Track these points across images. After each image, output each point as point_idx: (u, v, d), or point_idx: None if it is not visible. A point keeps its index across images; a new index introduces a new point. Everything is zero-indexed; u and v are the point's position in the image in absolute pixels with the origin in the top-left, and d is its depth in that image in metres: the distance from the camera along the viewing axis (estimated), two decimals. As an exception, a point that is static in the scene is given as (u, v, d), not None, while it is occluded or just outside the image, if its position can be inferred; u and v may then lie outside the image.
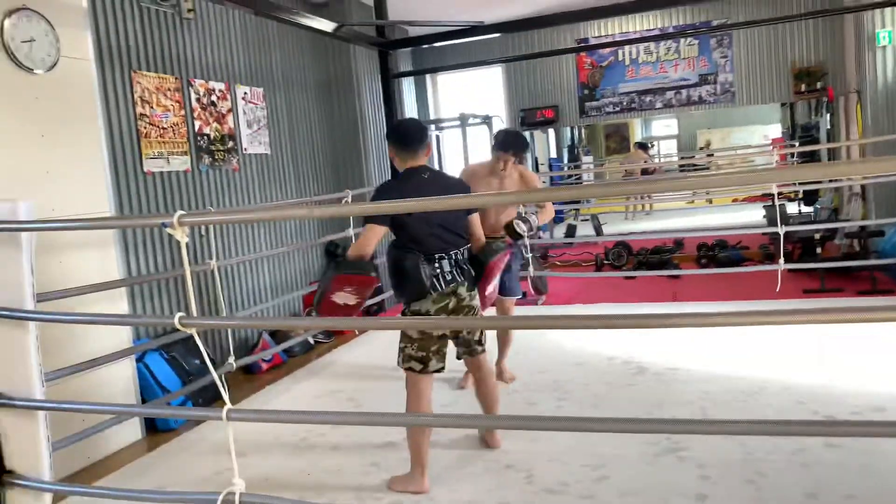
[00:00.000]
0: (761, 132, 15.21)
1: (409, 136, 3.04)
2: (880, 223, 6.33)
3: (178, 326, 2.30)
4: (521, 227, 3.92)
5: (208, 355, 2.80)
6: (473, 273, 3.09)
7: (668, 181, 3.25)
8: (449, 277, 2.97)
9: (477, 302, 3.11)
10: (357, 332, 5.85)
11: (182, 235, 2.32)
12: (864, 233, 6.51)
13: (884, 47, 6.97)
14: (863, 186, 7.16)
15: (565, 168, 11.74)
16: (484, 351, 3.24)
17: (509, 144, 3.98)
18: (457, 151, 8.44)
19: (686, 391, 3.94)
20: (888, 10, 6.83)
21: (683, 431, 3.08)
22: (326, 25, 5.74)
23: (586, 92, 9.17)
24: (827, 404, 3.52)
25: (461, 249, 3.04)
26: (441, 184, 3.06)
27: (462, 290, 3.02)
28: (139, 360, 4.14)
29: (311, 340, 5.73)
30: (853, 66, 7.59)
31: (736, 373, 4.14)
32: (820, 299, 5.77)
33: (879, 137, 6.56)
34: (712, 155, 12.60)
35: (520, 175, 4.09)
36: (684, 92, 8.86)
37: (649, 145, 13.04)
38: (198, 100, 5.31)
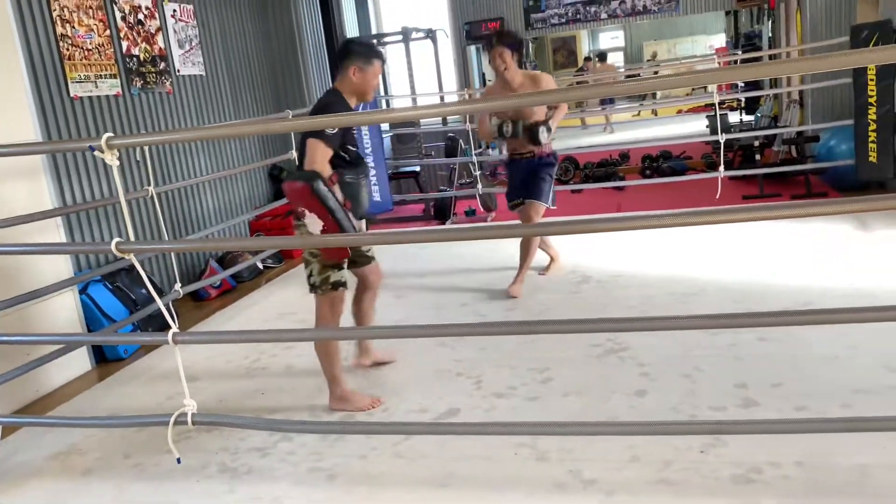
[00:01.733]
0: (706, 42, 15.24)
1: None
2: (816, 128, 6.49)
3: (115, 252, 2.26)
4: (544, 135, 4.06)
5: (152, 282, 2.76)
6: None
7: (633, 83, 3.32)
8: None
9: (300, 232, 3.01)
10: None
11: (112, 159, 2.26)
12: (801, 138, 6.67)
13: (824, -49, 6.96)
14: (801, 93, 7.29)
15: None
16: (312, 293, 3.08)
17: (495, 38, 4.03)
18: (400, 67, 8.24)
19: (628, 296, 4.08)
20: (828, -90, 6.78)
21: (620, 329, 3.20)
22: (256, -65, 5.45)
23: (531, 3, 8.98)
24: (761, 303, 3.69)
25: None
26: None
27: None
28: (82, 291, 4.06)
29: (260, 265, 5.69)
30: (794, -30, 7.57)
31: (676, 277, 4.29)
32: (758, 205, 5.95)
33: (817, 43, 6.64)
34: (658, 65, 12.61)
35: (531, 79, 4.07)
36: (629, 1, 8.74)
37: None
38: (123, 18, 5.02)
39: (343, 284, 3.05)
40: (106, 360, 4.03)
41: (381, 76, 3.13)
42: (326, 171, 2.85)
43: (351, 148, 3.04)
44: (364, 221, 3.32)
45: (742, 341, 3.24)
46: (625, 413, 2.75)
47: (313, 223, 2.76)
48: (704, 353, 3.17)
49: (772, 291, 3.86)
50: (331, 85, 3.18)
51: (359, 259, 3.24)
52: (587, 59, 12.89)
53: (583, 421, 2.57)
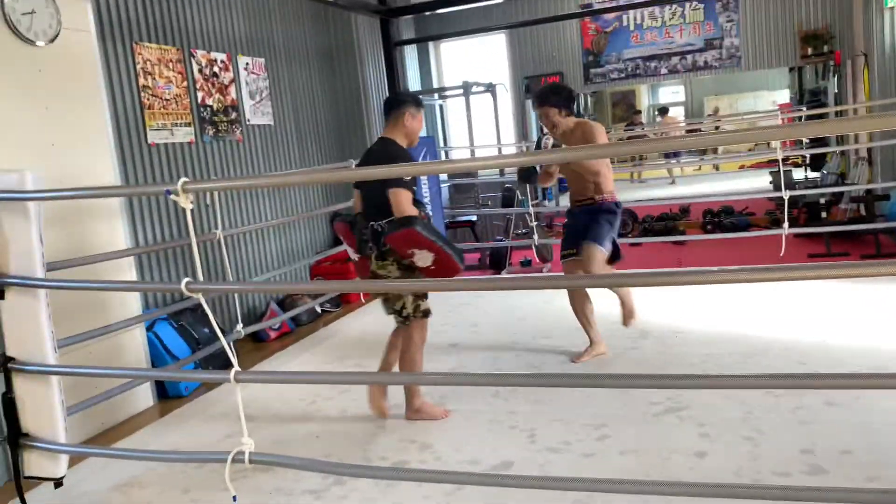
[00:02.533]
0: (769, 98, 15.06)
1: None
2: (886, 186, 6.31)
3: (185, 291, 2.34)
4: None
5: (216, 322, 2.85)
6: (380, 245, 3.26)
7: (692, 137, 3.27)
8: (366, 245, 3.34)
9: (387, 272, 3.27)
10: (363, 300, 5.90)
11: (186, 202, 2.36)
12: (870, 196, 6.49)
13: (892, 9, 6.87)
14: (869, 150, 7.12)
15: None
16: (404, 323, 3.36)
17: (537, 98, 3.94)
18: (460, 120, 8.42)
19: (688, 353, 3.99)
20: (897, -31, 6.72)
21: (682, 387, 3.12)
22: (327, -6, 5.72)
23: (591, 58, 9.10)
24: (827, 365, 3.55)
25: (378, 222, 3.22)
26: (370, 154, 3.42)
27: (373, 258, 3.32)
28: (149, 329, 4.21)
29: (318, 309, 5.79)
30: (860, 28, 7.50)
31: (738, 335, 4.18)
32: (826, 263, 5.78)
33: (887, 100, 6.51)
34: (720, 121, 12.51)
35: (582, 132, 3.84)
36: (690, 57, 8.77)
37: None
38: (200, 71, 5.31)
39: (430, 312, 3.38)
40: (167, 396, 4.14)
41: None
42: (414, 213, 3.15)
43: (414, 188, 3.31)
44: None
45: (808, 405, 3.12)
46: (684, 474, 2.67)
47: (424, 258, 3.12)
48: (767, 416, 3.07)
49: (838, 354, 3.72)
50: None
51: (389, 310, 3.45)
52: (636, 112, 12.95)
53: (640, 479, 2.50)
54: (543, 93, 3.96)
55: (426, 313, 3.35)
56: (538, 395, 3.51)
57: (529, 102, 9.40)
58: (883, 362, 3.53)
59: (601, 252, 3.85)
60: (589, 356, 4.03)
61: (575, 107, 4.04)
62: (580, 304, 4.01)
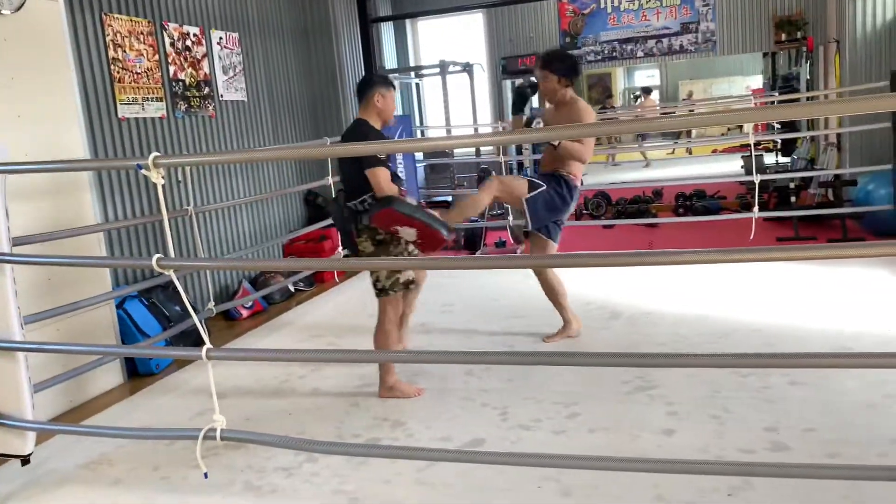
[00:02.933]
0: (743, 83, 15.19)
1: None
2: (854, 171, 6.42)
3: (156, 267, 2.32)
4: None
5: (187, 299, 2.83)
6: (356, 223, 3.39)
7: (666, 118, 3.26)
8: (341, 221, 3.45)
9: (363, 248, 3.38)
10: (337, 279, 5.89)
11: (157, 177, 2.33)
12: (838, 182, 6.60)
13: (864, -4, 6.95)
14: (838, 136, 7.23)
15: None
16: (378, 296, 3.43)
17: (541, 59, 3.85)
18: (437, 99, 8.38)
19: (658, 333, 4.05)
20: (870, -43, 6.79)
21: (652, 365, 3.18)
22: (303, -32, 5.63)
23: (568, 40, 9.08)
24: (793, 345, 3.63)
25: (354, 202, 3.36)
26: (344, 135, 3.59)
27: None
28: (119, 306, 4.16)
29: (292, 288, 5.76)
30: (833, 15, 7.58)
31: (707, 316, 4.25)
32: (794, 245, 5.88)
33: (856, 86, 6.60)
34: (694, 104, 12.60)
35: (569, 111, 3.78)
36: (666, 41, 8.80)
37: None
38: (172, 44, 5.20)
39: (413, 281, 3.44)
40: (138, 374, 4.10)
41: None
42: (394, 190, 3.25)
43: (391, 166, 3.38)
44: None
45: (774, 384, 3.19)
46: (652, 451, 2.72)
47: (408, 234, 3.25)
48: (734, 395, 3.13)
49: (805, 335, 3.80)
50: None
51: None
52: (608, 95, 13.02)
53: (609, 456, 2.55)
54: (548, 56, 3.89)
55: (406, 285, 3.41)
56: (510, 373, 3.54)
57: (507, 83, 9.40)
58: (846, 343, 3.62)
59: (551, 243, 3.92)
60: (560, 337, 4.05)
61: (574, 83, 3.86)
62: (550, 286, 4.00)
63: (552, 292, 4.00)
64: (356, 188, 3.32)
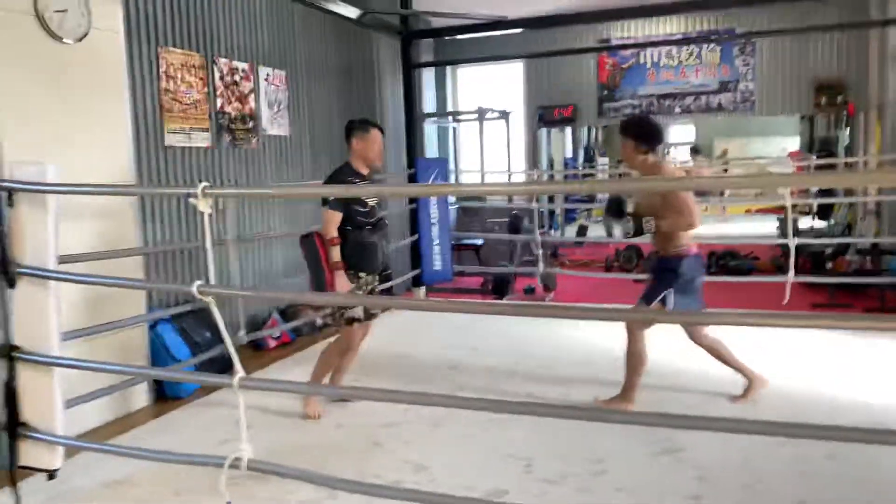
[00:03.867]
0: (779, 144, 15.13)
1: None
2: (893, 241, 6.32)
3: (196, 294, 2.36)
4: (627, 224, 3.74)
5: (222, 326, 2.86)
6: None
7: (703, 179, 3.20)
8: None
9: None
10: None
11: (205, 206, 2.38)
12: (877, 250, 6.50)
13: (907, 64, 6.95)
14: (878, 203, 7.15)
15: (579, 168, 11.75)
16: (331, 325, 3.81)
17: (622, 125, 3.76)
18: (474, 144, 8.48)
19: (689, 396, 3.98)
20: (914, 27, 6.81)
21: (679, 426, 3.11)
22: (350, 12, 5.80)
23: (605, 92, 9.18)
24: (828, 416, 3.54)
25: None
26: None
27: None
28: (152, 328, 4.21)
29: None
30: (875, 81, 7.57)
31: (739, 380, 4.16)
32: (836, 313, 5.77)
33: (897, 155, 6.55)
34: (728, 163, 12.59)
35: (650, 170, 3.65)
36: (704, 98, 8.85)
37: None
38: (221, 78, 5.36)
39: (357, 320, 3.71)
40: (165, 397, 4.13)
41: (381, 142, 3.79)
42: (332, 233, 3.58)
43: (359, 209, 3.65)
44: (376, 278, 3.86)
45: (808, 456, 3.10)
46: (679, 515, 2.65)
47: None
48: (767, 465, 3.06)
49: (840, 406, 3.71)
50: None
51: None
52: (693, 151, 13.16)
53: (635, 517, 2.49)
54: (627, 121, 3.85)
55: (349, 321, 3.70)
56: (537, 424, 3.49)
57: (542, 131, 9.49)
58: (880, 417, 3.52)
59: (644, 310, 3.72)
60: (616, 405, 3.78)
61: (655, 150, 3.68)
62: (633, 351, 3.80)
63: (630, 360, 3.80)
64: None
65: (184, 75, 4.96)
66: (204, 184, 2.36)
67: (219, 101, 5.32)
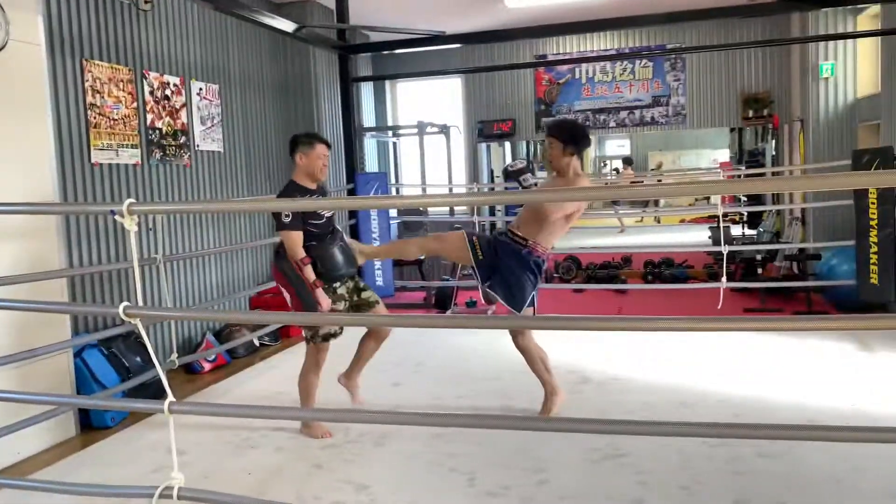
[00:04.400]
0: (710, 156, 15.64)
1: None
2: (818, 247, 6.58)
3: (122, 316, 2.26)
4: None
5: (150, 349, 2.75)
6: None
7: (650, 186, 3.28)
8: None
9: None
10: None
11: (131, 224, 2.29)
12: (803, 255, 6.76)
13: (826, 79, 7.29)
14: (803, 211, 7.45)
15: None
16: (307, 343, 3.72)
17: (550, 127, 3.78)
18: (414, 159, 8.47)
19: (628, 401, 4.03)
20: (831, 43, 7.15)
21: (622, 432, 3.14)
22: (287, 25, 5.72)
23: (543, 107, 9.31)
24: (760, 416, 3.63)
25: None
26: None
27: None
28: (77, 355, 4.02)
29: (257, 342, 5.65)
30: (798, 95, 7.90)
31: (676, 385, 4.25)
32: (764, 317, 5.96)
33: (820, 164, 6.84)
34: (662, 175, 12.92)
35: (566, 182, 3.67)
36: (637, 112, 9.07)
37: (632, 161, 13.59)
38: (151, 93, 5.21)
39: (333, 336, 3.63)
40: (91, 427, 3.94)
41: (326, 156, 3.67)
42: (301, 253, 3.47)
43: (316, 222, 3.57)
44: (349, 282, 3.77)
45: (742, 455, 3.17)
46: (621, 522, 2.66)
47: (285, 294, 3.61)
48: (703, 465, 3.11)
49: (771, 406, 3.81)
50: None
51: (362, 307, 3.76)
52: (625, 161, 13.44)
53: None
54: (556, 123, 3.87)
55: (325, 338, 3.62)
56: (479, 437, 3.47)
57: (481, 146, 9.56)
58: (812, 415, 3.64)
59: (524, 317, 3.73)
60: (556, 407, 3.79)
61: (581, 155, 3.72)
62: (530, 356, 3.80)
63: (534, 364, 3.79)
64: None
65: (111, 89, 4.80)
66: (129, 200, 2.27)
67: (149, 117, 5.17)
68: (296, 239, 3.46)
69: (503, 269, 3.69)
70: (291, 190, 3.63)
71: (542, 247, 3.70)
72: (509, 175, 3.75)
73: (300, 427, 3.71)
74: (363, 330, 3.87)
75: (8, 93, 3.55)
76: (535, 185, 3.87)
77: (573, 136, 3.69)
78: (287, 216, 3.44)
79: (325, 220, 3.62)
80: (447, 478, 3.11)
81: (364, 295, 3.79)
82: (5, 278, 3.09)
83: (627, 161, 13.42)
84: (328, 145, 3.70)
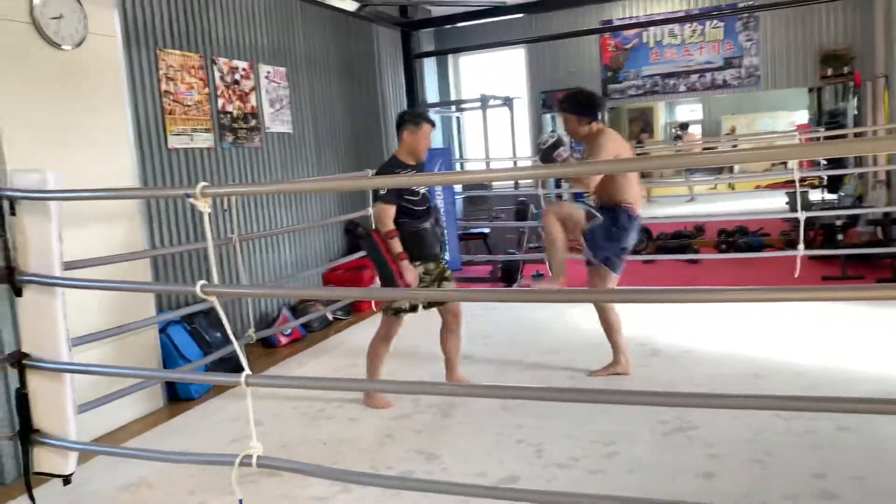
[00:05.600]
0: (787, 118, 14.94)
1: None
2: (904, 210, 6.25)
3: (200, 294, 2.36)
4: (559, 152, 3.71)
5: (229, 325, 2.88)
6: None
7: (711, 154, 3.22)
8: None
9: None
10: (374, 308, 5.92)
11: (205, 206, 2.39)
12: (888, 220, 6.43)
13: (914, 31, 6.84)
14: (888, 173, 7.06)
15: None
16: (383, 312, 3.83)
17: (559, 103, 3.91)
18: (478, 132, 8.45)
19: (698, 373, 3.97)
20: (919, -7, 6.69)
21: (692, 405, 3.12)
22: (350, 5, 5.78)
23: (609, 74, 9.10)
24: (838, 389, 3.52)
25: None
26: None
27: None
28: (162, 330, 4.24)
29: (330, 317, 5.81)
30: (882, 50, 7.45)
31: (749, 357, 4.15)
32: (842, 285, 5.73)
33: (906, 123, 6.47)
34: (737, 140, 12.46)
35: (592, 146, 3.79)
36: (709, 75, 8.76)
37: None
38: (221, 78, 5.38)
39: (403, 311, 3.69)
40: (178, 398, 4.16)
41: (430, 136, 3.79)
42: (389, 226, 3.58)
43: (411, 198, 3.67)
44: (436, 264, 3.86)
45: (819, 429, 3.09)
46: (690, 495, 2.65)
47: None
48: (777, 439, 3.04)
49: (849, 378, 3.69)
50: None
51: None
52: (642, 130, 12.93)
53: (646, 498, 2.49)
54: (563, 98, 3.94)
55: (396, 311, 3.69)
56: (547, 409, 3.49)
57: (547, 117, 9.44)
58: (893, 387, 3.50)
59: (611, 275, 3.89)
60: (607, 372, 3.98)
61: (600, 113, 3.83)
62: (607, 321, 3.94)
63: (608, 327, 3.95)
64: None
65: (184, 76, 4.98)
66: (203, 183, 2.37)
67: (220, 101, 5.34)
68: (388, 211, 3.57)
69: (593, 229, 3.85)
70: (392, 164, 3.76)
71: (633, 204, 3.82)
72: (543, 153, 3.75)
73: (363, 398, 3.82)
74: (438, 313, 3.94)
75: (89, 85, 3.73)
76: (572, 156, 3.86)
77: (582, 105, 3.80)
78: (383, 189, 3.57)
79: (420, 196, 3.75)
80: (515, 449, 3.16)
81: (445, 285, 3.85)
82: (94, 259, 3.29)
83: (684, 126, 12.94)
84: (433, 125, 3.81)
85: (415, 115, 3.82)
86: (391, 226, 3.58)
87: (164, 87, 4.78)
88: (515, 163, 8.24)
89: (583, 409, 3.44)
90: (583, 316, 5.18)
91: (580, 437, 3.19)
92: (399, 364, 4.38)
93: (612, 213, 3.83)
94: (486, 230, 7.87)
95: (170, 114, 4.82)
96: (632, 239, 3.90)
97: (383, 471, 3.02)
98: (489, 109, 8.20)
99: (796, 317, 4.79)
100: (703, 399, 2.28)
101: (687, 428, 3.20)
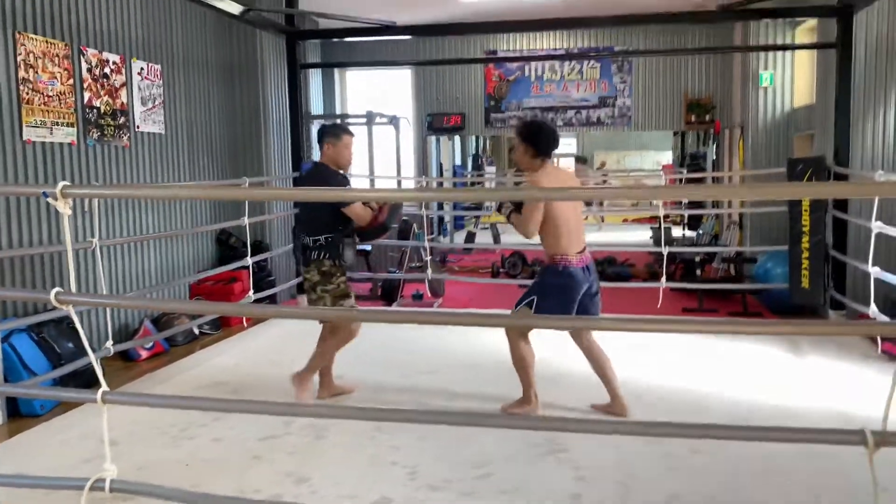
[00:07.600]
0: (653, 157, 16.03)
1: None
2: (754, 250, 6.81)
3: (54, 302, 2.16)
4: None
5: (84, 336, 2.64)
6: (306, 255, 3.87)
7: (605, 188, 3.35)
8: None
9: (310, 276, 3.85)
10: (245, 324, 5.68)
11: (65, 207, 2.19)
12: (739, 258, 6.98)
13: (765, 88, 7.54)
14: (740, 215, 7.70)
15: (468, 175, 11.92)
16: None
17: (517, 129, 3.73)
18: (362, 149, 8.39)
19: (570, 398, 4.08)
20: (770, 53, 7.39)
21: (557, 429, 3.19)
22: (233, 8, 5.59)
23: (492, 103, 9.36)
24: (694, 415, 3.73)
25: (308, 238, 3.82)
26: (304, 176, 4.34)
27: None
28: (4, 339, 3.85)
29: (196, 331, 5.51)
30: (738, 102, 8.16)
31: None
32: (702, 318, 6.12)
33: (759, 171, 7.09)
34: (606, 175, 13.20)
35: (532, 176, 3.67)
36: (584, 112, 9.21)
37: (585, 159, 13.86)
38: (89, 70, 5.01)
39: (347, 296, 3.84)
40: (20, 414, 3.78)
41: (352, 147, 3.93)
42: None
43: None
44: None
45: (676, 452, 3.26)
46: (560, 516, 2.70)
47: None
48: (640, 462, 3.18)
49: (705, 405, 3.92)
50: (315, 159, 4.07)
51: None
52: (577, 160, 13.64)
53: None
54: (526, 127, 3.72)
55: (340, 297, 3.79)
56: (424, 430, 3.46)
57: (431, 138, 9.55)
58: (743, 413, 3.76)
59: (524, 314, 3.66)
60: (519, 409, 3.76)
61: (549, 152, 3.67)
62: (518, 355, 3.74)
63: (518, 364, 3.76)
64: (319, 226, 3.77)
65: (46, 64, 4.59)
66: (63, 182, 2.18)
67: (86, 95, 4.97)
68: (356, 208, 3.73)
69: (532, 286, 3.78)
70: (329, 171, 3.85)
71: (554, 254, 3.64)
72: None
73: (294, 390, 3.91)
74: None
75: (-66, 63, 3.35)
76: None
77: (541, 141, 3.62)
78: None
79: None
80: (388, 471, 3.11)
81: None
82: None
83: (581, 160, 13.63)
84: (352, 136, 3.94)
85: (335, 127, 4.01)
86: (369, 214, 3.80)
87: (22, 73, 4.38)
88: (399, 182, 8.26)
89: (459, 432, 3.43)
90: (460, 339, 5.22)
91: (455, 459, 3.19)
92: (269, 384, 4.22)
93: (544, 270, 3.70)
94: (368, 247, 7.79)
95: (27, 103, 4.42)
96: (577, 291, 3.64)
97: (250, 494, 2.87)
98: (375, 126, 8.18)
99: (658, 345, 5.05)
100: (575, 424, 2.34)
101: (558, 450, 3.28)
